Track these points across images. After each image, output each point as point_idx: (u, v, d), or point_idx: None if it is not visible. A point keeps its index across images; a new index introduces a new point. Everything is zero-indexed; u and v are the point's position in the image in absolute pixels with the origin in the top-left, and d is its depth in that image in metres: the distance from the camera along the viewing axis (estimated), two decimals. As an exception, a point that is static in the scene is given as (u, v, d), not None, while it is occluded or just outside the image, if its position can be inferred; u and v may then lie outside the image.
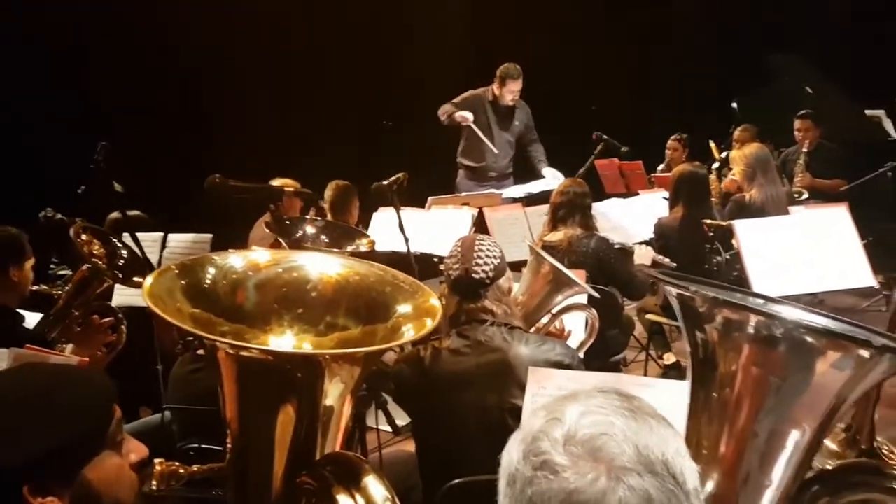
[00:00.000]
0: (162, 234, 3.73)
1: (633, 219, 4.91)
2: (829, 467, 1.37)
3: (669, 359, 4.77)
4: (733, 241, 3.85)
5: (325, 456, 1.43)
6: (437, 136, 6.21)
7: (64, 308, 2.86)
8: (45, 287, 3.43)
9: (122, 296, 3.37)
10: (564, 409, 0.95)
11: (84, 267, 2.90)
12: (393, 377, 2.43)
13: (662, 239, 4.42)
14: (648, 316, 4.60)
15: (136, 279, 2.97)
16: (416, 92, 7.24)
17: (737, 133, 6.52)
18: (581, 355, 2.78)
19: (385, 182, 3.71)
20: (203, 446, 2.71)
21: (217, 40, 6.55)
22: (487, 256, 2.35)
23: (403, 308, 1.59)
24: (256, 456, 1.45)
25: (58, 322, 2.84)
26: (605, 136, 6.23)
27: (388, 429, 2.50)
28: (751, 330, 1.20)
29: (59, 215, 3.35)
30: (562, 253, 3.87)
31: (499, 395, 2.26)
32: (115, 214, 3.70)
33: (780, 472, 1.22)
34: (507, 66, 5.93)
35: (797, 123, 6.27)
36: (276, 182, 3.81)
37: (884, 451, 2.22)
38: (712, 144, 6.77)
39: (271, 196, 2.90)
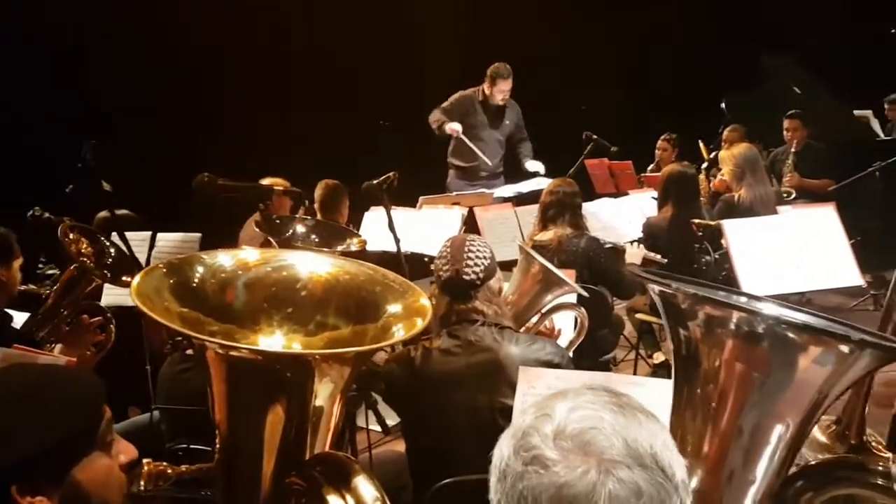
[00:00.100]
0: (150, 233, 3.71)
1: (622, 219, 4.92)
2: (813, 462, 1.38)
3: (659, 358, 4.79)
4: (722, 241, 3.87)
5: (314, 456, 1.43)
6: (427, 135, 6.21)
7: (52, 308, 2.84)
8: (34, 287, 3.41)
9: (111, 295, 3.35)
10: (554, 406, 0.96)
11: (72, 266, 2.89)
12: (383, 377, 2.43)
13: (651, 239, 4.44)
14: (638, 315, 4.62)
15: (124, 278, 2.96)
16: (408, 92, 7.25)
17: (726, 133, 6.55)
18: (570, 354, 2.79)
19: (375, 182, 3.70)
20: (192, 446, 2.70)
21: (214, 40, 6.54)
22: (477, 257, 2.35)
23: (393, 308, 1.59)
24: (245, 456, 1.45)
25: (46, 322, 2.82)
26: (594, 136, 6.26)
27: (378, 428, 2.51)
28: (732, 326, 1.21)
29: (47, 214, 3.33)
30: (552, 252, 3.87)
31: (489, 395, 2.27)
32: (103, 213, 3.68)
33: (763, 467, 1.23)
34: (497, 66, 5.94)
35: (786, 123, 6.31)
36: (266, 181, 3.80)
37: (872, 444, 2.24)
38: (701, 144, 6.80)
39: (260, 195, 2.90)
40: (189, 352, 2.72)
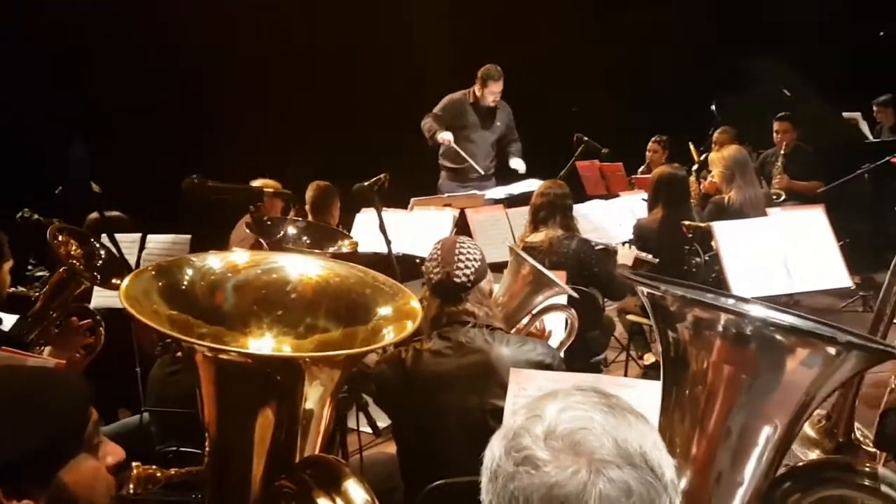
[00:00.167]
0: (140, 234, 3.70)
1: (613, 220, 4.94)
2: (801, 463, 1.39)
3: (649, 359, 4.80)
4: (712, 243, 3.89)
5: (304, 459, 1.43)
6: (418, 136, 6.22)
7: (41, 310, 2.83)
8: (23, 289, 3.39)
9: (101, 297, 3.34)
10: (545, 406, 0.97)
11: (61, 269, 2.87)
12: (374, 378, 2.43)
13: (642, 240, 4.45)
14: (629, 317, 4.63)
15: (114, 281, 2.94)
16: (400, 93, 7.25)
17: (716, 135, 6.57)
18: (561, 355, 2.79)
19: (366, 183, 3.71)
20: (182, 449, 2.69)
21: (207, 41, 6.53)
22: (468, 259, 2.36)
23: (384, 310, 1.59)
24: (235, 459, 1.44)
25: (35, 324, 2.81)
26: (585, 138, 6.28)
27: (370, 430, 2.50)
28: (721, 328, 1.22)
29: (36, 216, 3.31)
30: (543, 254, 3.88)
31: (480, 397, 2.27)
32: (94, 215, 3.66)
33: (751, 468, 1.24)
34: (487, 68, 5.95)
35: (776, 125, 6.34)
36: (257, 183, 3.79)
37: (861, 439, 2.25)
38: (692, 146, 6.83)
39: (251, 197, 2.89)
40: (179, 354, 2.72)
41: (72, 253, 2.95)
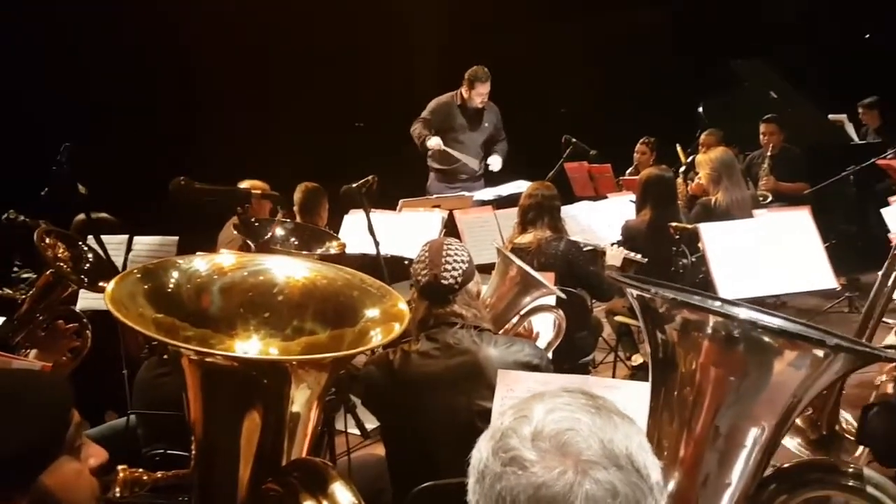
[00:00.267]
0: (127, 236, 3.68)
1: (601, 222, 4.96)
2: (787, 465, 1.40)
3: (637, 360, 4.82)
4: (699, 244, 3.90)
5: (291, 462, 1.43)
6: (408, 137, 6.22)
7: (28, 313, 2.81)
8: (9, 291, 3.37)
9: (88, 299, 3.32)
10: (532, 408, 0.98)
11: (48, 271, 2.85)
12: (362, 380, 2.43)
13: (630, 241, 4.47)
14: (617, 318, 4.64)
15: (101, 284, 2.92)
16: (388, 94, 7.25)
17: (703, 137, 6.61)
18: (549, 356, 2.80)
19: (355, 185, 3.70)
20: (169, 452, 2.68)
21: (192, 42, 6.51)
22: (455, 261, 2.36)
23: (371, 312, 1.59)
24: (222, 462, 1.44)
25: (21, 327, 2.79)
26: (574, 140, 6.29)
27: (358, 432, 2.50)
28: (709, 330, 1.23)
29: (22, 217, 3.29)
30: (531, 255, 3.89)
31: (468, 398, 2.27)
32: (81, 217, 3.64)
33: (739, 470, 1.25)
34: (475, 69, 5.96)
35: (762, 128, 6.38)
36: (245, 184, 3.78)
37: (844, 428, 2.27)
38: (679, 148, 6.86)
39: (238, 198, 2.88)
40: (167, 356, 2.70)
41: (59, 256, 2.93)
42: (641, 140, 7.11)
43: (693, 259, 4.23)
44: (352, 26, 7.58)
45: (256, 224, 3.18)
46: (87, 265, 3.04)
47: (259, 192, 3.57)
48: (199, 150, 6.16)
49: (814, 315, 5.24)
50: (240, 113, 6.83)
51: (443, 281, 2.34)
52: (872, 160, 5.89)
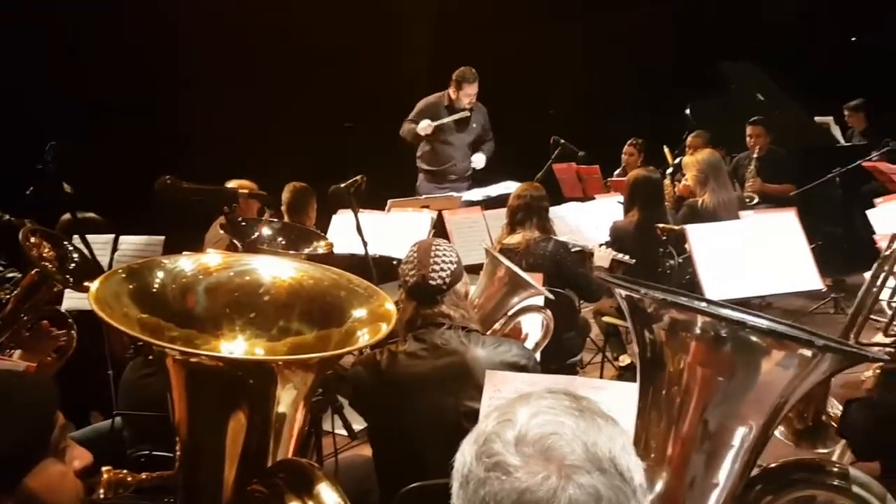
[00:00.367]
0: (113, 236, 3.66)
1: (589, 223, 4.97)
2: (773, 465, 1.40)
3: (625, 360, 4.83)
4: (686, 245, 3.92)
5: (277, 463, 1.42)
6: (397, 137, 6.21)
7: (12, 313, 2.78)
8: (-7, 291, 3.34)
9: (73, 299, 3.29)
10: (516, 411, 0.97)
11: (33, 271, 2.83)
12: (349, 380, 2.42)
13: (617, 242, 4.48)
14: (605, 318, 4.65)
15: (87, 283, 2.90)
16: (378, 94, 7.24)
17: (690, 139, 6.64)
18: (537, 356, 2.80)
19: (343, 185, 3.70)
20: (155, 453, 2.66)
21: (179, 41, 6.48)
22: (444, 262, 2.35)
23: (358, 312, 1.59)
24: (207, 463, 1.43)
25: (6, 327, 2.76)
26: (562, 141, 6.30)
27: (345, 433, 2.49)
28: (698, 330, 1.23)
29: (7, 216, 3.26)
30: (520, 256, 3.90)
31: (455, 398, 2.27)
32: (66, 216, 3.62)
33: (726, 470, 1.25)
34: (462, 70, 5.96)
35: (749, 129, 6.41)
36: (232, 183, 3.76)
37: (830, 415, 2.29)
38: (666, 150, 6.88)
39: (225, 198, 2.86)
40: (151, 357, 2.68)
41: (44, 255, 2.90)
42: (629, 141, 7.13)
43: (680, 260, 4.25)
44: (341, 27, 7.56)
45: (244, 224, 3.17)
46: (73, 265, 3.01)
47: (247, 191, 3.56)
48: (193, 150, 6.13)
49: (800, 316, 5.28)
50: (228, 113, 6.79)
51: (431, 281, 2.33)
52: (858, 162, 5.93)
